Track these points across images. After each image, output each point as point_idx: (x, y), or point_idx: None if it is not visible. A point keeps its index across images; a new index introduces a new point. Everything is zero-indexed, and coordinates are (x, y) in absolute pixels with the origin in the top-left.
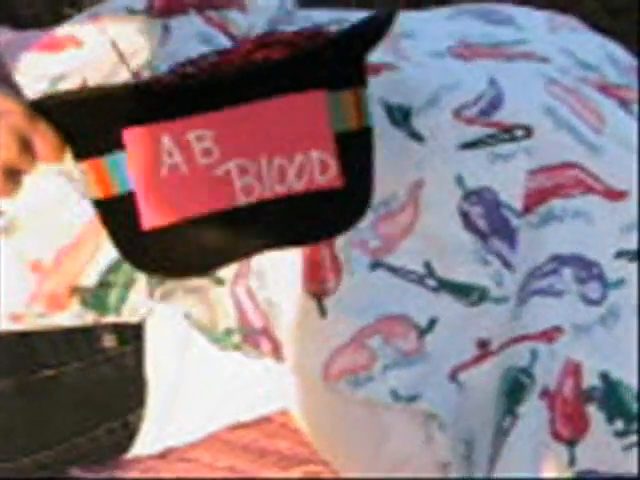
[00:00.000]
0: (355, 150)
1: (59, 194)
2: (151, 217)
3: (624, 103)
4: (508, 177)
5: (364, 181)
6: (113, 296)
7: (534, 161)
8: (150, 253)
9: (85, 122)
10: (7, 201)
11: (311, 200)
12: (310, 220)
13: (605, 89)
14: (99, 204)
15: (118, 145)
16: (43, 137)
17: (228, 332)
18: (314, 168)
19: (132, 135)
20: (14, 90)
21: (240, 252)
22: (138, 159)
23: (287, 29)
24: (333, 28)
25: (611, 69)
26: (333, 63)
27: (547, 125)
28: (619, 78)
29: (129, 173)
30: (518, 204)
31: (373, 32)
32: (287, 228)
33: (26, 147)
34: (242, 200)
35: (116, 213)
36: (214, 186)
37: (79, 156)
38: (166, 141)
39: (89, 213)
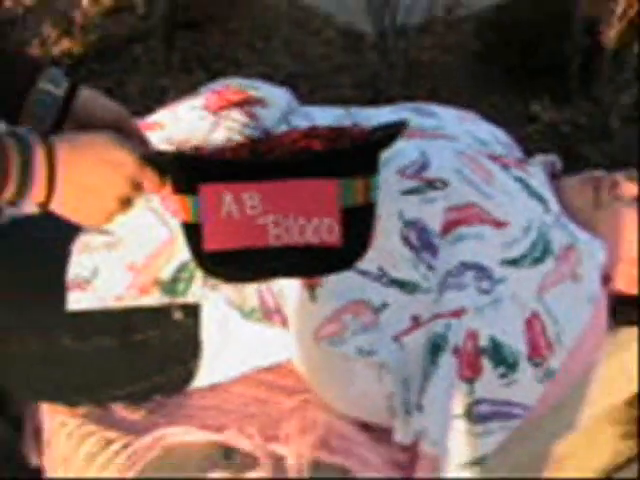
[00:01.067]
0: (358, 219)
1: (148, 222)
2: (211, 242)
3: (505, 167)
4: (432, 213)
5: (360, 241)
6: (181, 286)
7: (448, 202)
8: (211, 265)
9: (177, 172)
10: (115, 225)
11: (319, 251)
12: (316, 263)
13: (493, 158)
14: (183, 225)
15: (196, 192)
16: (149, 179)
17: (253, 310)
18: (324, 230)
19: (206, 188)
20: (141, 143)
21: (267, 275)
22: (207, 204)
23: (305, 124)
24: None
25: (497, 145)
26: (355, 158)
27: (456, 180)
28: (502, 151)
29: (200, 211)
30: (438, 229)
31: (389, 137)
32: (301, 265)
33: (137, 186)
34: (273, 243)
35: (192, 234)
36: (255, 231)
37: (174, 192)
38: (227, 196)
39: (166, 234)
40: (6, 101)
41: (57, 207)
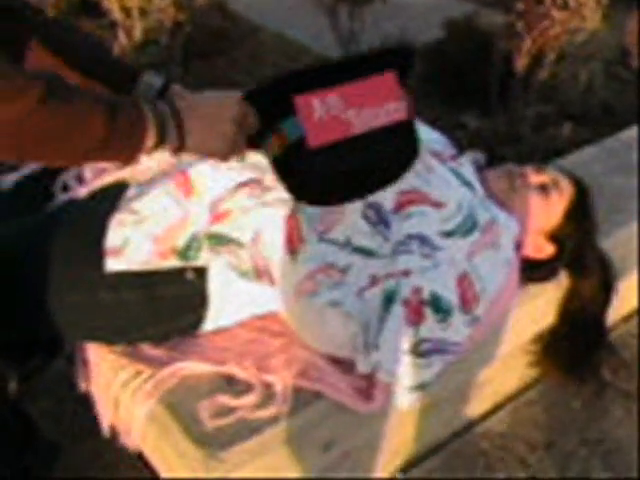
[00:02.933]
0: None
1: (166, 203)
2: (311, 139)
3: (442, 160)
4: (386, 195)
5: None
6: (192, 253)
7: (399, 188)
8: (305, 189)
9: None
10: (142, 206)
11: (393, 129)
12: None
13: (433, 154)
14: (275, 159)
15: (288, 111)
16: (250, 113)
17: (247, 271)
18: (393, 111)
19: (299, 100)
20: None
21: (361, 192)
22: (302, 112)
23: None
24: None
25: (435, 144)
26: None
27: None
28: (439, 148)
29: (297, 121)
30: (391, 208)
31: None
32: (382, 151)
33: (244, 116)
34: (357, 131)
35: (288, 156)
36: (342, 125)
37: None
38: (316, 102)
39: (180, 213)
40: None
41: (190, 145)
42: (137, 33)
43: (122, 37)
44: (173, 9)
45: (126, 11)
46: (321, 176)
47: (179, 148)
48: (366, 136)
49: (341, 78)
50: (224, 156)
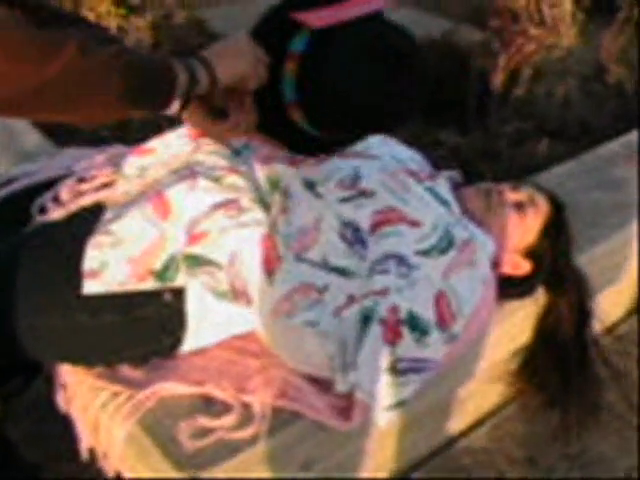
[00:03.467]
0: None
1: (142, 226)
2: (314, 22)
3: (418, 180)
4: (363, 215)
5: None
6: (169, 274)
7: (375, 207)
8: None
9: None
10: (118, 229)
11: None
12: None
13: (409, 173)
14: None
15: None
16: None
17: (224, 292)
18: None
19: (297, 15)
20: None
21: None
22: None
23: None
24: None
25: (412, 163)
26: None
27: (381, 190)
28: (416, 167)
29: (301, 37)
30: (367, 228)
31: None
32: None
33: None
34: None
35: (304, 70)
36: (340, 16)
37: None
38: (312, 15)
39: (156, 234)
40: None
41: (220, 73)
42: None
43: None
44: (151, 29)
45: None
46: (337, 88)
47: (212, 82)
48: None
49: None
50: (252, 78)
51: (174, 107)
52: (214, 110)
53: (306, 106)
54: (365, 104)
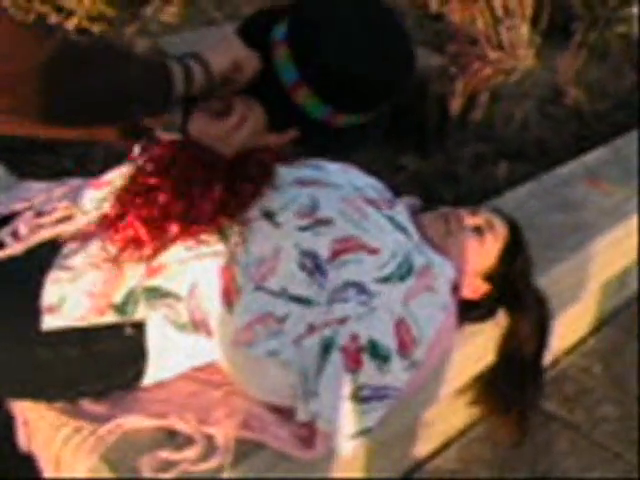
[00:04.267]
0: None
1: (102, 260)
2: None
3: (377, 207)
4: (322, 243)
5: None
6: (129, 308)
7: (334, 236)
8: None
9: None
10: (77, 264)
11: None
12: None
13: (367, 201)
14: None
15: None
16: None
17: (184, 324)
18: None
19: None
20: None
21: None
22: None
23: None
24: None
25: (371, 190)
26: None
27: (339, 218)
28: (375, 195)
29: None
30: (326, 256)
31: None
32: None
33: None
34: None
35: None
36: None
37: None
38: None
39: (115, 269)
40: None
41: (214, 64)
42: None
43: None
44: None
45: None
46: (336, 55)
47: (207, 75)
48: None
49: None
50: (246, 63)
51: (176, 113)
52: (217, 112)
53: (310, 81)
54: (366, 70)
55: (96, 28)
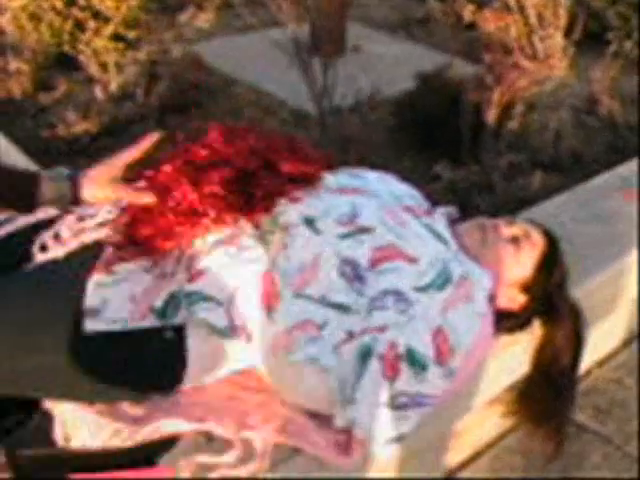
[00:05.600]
0: None
1: (144, 264)
2: None
3: (415, 216)
4: (362, 251)
5: None
6: (170, 311)
7: (374, 244)
8: None
9: None
10: (119, 266)
11: None
12: None
13: (406, 209)
14: None
15: None
16: None
17: (224, 328)
18: None
19: None
20: None
21: None
22: None
23: None
24: None
25: (409, 199)
26: None
27: (379, 226)
28: (413, 203)
29: None
30: (366, 264)
31: None
32: None
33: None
34: None
35: None
36: None
37: None
38: None
39: (156, 273)
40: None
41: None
42: (113, 88)
43: (98, 92)
44: (148, 63)
45: (102, 66)
46: None
47: (76, 198)
48: None
49: None
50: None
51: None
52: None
53: None
54: None
55: (132, 34)
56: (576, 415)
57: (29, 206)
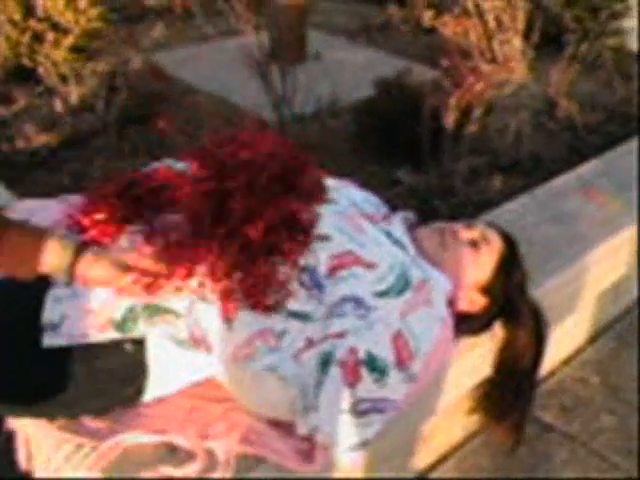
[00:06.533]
0: None
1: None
2: None
3: (373, 222)
4: (320, 259)
5: None
6: (129, 324)
7: (332, 251)
8: None
9: None
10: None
11: None
12: None
13: (364, 215)
14: None
15: None
16: None
17: (184, 340)
18: None
19: None
20: None
21: None
22: None
23: None
24: None
25: (367, 205)
26: None
27: (337, 234)
28: (371, 209)
29: None
30: (324, 272)
31: None
32: None
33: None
34: None
35: None
36: None
37: None
38: None
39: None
40: None
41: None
42: (73, 100)
43: (58, 104)
44: (108, 74)
45: (62, 78)
46: None
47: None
48: None
49: None
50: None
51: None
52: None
53: None
54: None
55: (92, 45)
56: (542, 414)
57: (29, 273)
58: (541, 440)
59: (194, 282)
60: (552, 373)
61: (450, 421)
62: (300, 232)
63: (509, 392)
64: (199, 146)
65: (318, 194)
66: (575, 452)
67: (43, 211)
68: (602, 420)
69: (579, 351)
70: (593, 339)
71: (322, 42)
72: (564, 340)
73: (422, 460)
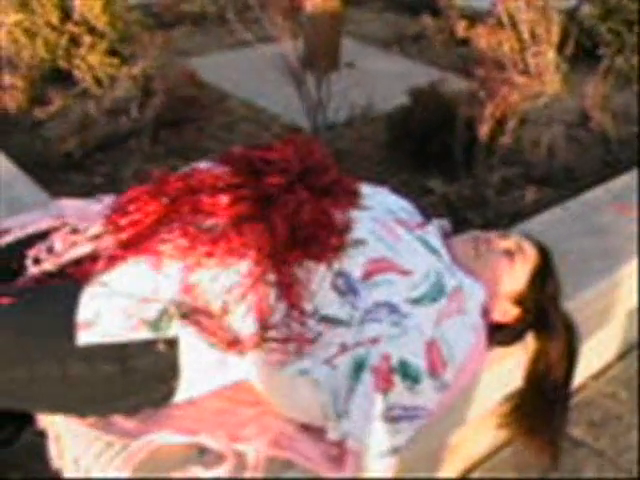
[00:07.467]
0: None
1: (137, 276)
2: None
3: (409, 229)
4: (355, 265)
5: None
6: (163, 324)
7: (367, 257)
8: None
9: None
10: (112, 278)
11: None
12: None
13: (399, 222)
14: None
15: None
16: None
17: (217, 341)
18: None
19: None
20: None
21: None
22: None
23: None
24: None
25: (402, 212)
26: None
27: (372, 240)
28: (406, 216)
29: None
30: (359, 277)
31: None
32: None
33: None
34: None
35: None
36: None
37: None
38: None
39: (150, 286)
40: None
41: None
42: (107, 103)
43: (93, 107)
44: (143, 78)
45: (97, 81)
46: None
47: None
48: None
49: None
50: None
51: None
52: None
53: None
54: None
55: (127, 50)
56: (570, 429)
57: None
58: (569, 455)
59: (228, 282)
60: (582, 387)
61: (479, 432)
62: (334, 234)
63: (540, 405)
64: (230, 150)
65: (353, 199)
66: (603, 468)
67: (79, 209)
68: (631, 436)
69: (608, 366)
70: (623, 355)
71: (355, 51)
72: (594, 355)
73: (449, 471)
